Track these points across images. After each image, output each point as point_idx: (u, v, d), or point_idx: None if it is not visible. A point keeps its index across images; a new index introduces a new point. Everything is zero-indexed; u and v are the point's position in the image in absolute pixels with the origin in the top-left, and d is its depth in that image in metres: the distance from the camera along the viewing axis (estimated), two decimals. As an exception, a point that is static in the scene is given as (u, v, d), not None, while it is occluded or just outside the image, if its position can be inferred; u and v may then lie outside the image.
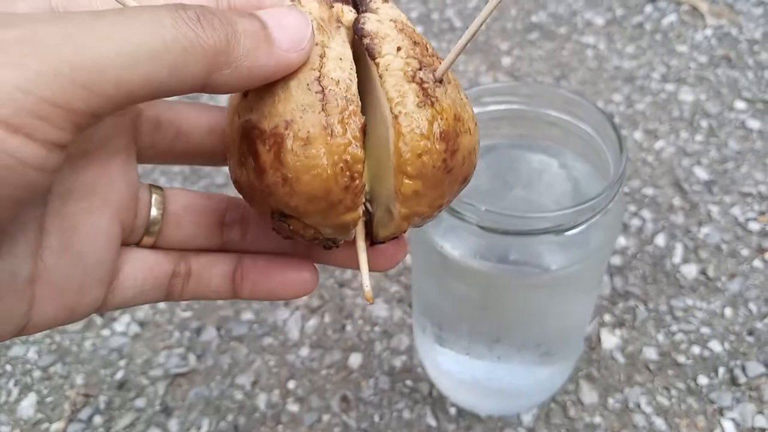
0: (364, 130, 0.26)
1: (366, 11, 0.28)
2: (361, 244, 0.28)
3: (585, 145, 0.43)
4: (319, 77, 0.25)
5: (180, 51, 0.21)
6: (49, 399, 0.55)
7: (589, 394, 0.52)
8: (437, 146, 0.25)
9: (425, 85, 0.26)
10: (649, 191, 0.68)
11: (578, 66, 0.84)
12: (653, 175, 0.69)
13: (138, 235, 0.30)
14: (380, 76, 0.26)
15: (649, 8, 0.92)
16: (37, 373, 0.56)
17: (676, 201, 0.67)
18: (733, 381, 0.53)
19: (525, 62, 0.84)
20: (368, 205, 0.28)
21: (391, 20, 0.27)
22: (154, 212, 0.30)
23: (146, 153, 0.30)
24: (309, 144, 0.24)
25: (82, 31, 0.19)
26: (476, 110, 0.38)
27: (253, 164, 0.26)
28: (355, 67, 0.26)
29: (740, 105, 0.77)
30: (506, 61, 0.84)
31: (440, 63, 0.26)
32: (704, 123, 0.75)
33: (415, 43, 0.26)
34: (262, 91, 0.26)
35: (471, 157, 0.27)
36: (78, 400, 0.54)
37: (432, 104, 0.25)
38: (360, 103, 0.25)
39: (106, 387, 0.55)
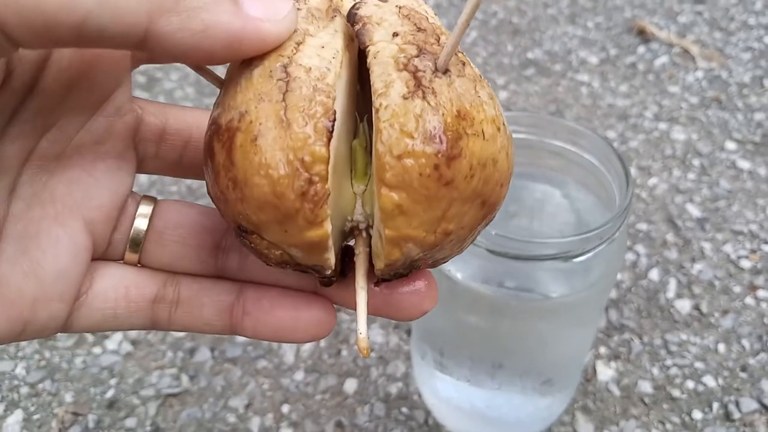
0: (349, 132, 0.23)
1: None
2: (360, 280, 0.24)
3: (588, 175, 0.44)
4: (287, 64, 0.22)
5: None
6: (36, 416, 0.53)
7: (585, 426, 0.52)
8: (425, 147, 0.20)
9: (419, 74, 0.21)
10: (643, 226, 0.69)
11: (573, 102, 0.85)
12: (647, 211, 0.71)
13: (119, 250, 0.27)
14: (369, 66, 0.22)
15: (641, 49, 0.95)
16: (24, 390, 0.55)
17: (670, 237, 0.68)
18: (728, 416, 0.53)
19: (521, 97, 0.86)
20: (371, 231, 0.24)
21: (396, 5, 0.23)
22: (140, 225, 0.27)
23: (150, 164, 0.28)
24: (260, 138, 0.21)
25: None
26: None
27: (211, 166, 0.22)
28: (344, 59, 0.23)
29: (731, 145, 0.79)
30: (503, 95, 0.86)
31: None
32: (696, 162, 0.77)
33: (419, 29, 0.23)
34: (230, 81, 0.23)
35: (488, 171, 0.22)
36: (66, 419, 0.53)
37: (423, 96, 0.21)
38: (335, 96, 0.21)
39: (96, 406, 0.54)
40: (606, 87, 0.88)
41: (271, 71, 0.22)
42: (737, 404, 0.54)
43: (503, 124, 0.23)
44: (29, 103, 0.23)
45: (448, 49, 0.21)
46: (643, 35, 0.97)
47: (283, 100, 0.21)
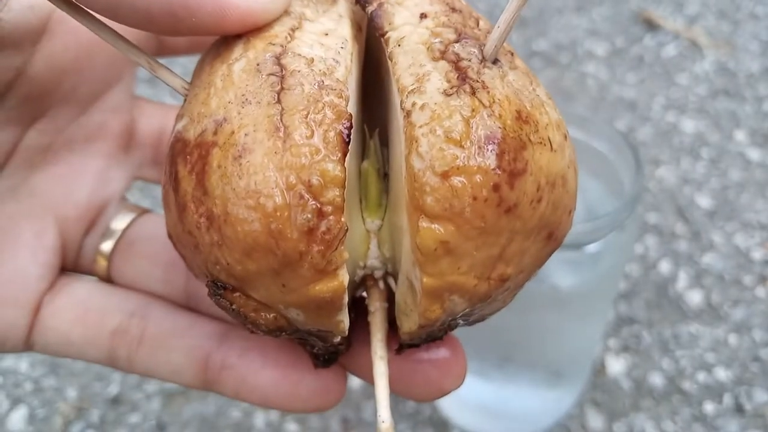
0: (365, 142, 0.18)
1: None
2: (378, 347, 0.18)
3: (598, 164, 0.43)
4: (280, 54, 0.16)
5: None
6: (40, 412, 0.53)
7: (595, 419, 0.52)
8: (481, 161, 0.15)
9: (463, 64, 0.16)
10: (652, 218, 0.68)
11: (580, 93, 0.84)
12: (656, 202, 0.70)
13: (90, 257, 0.24)
14: (390, 58, 0.17)
15: (648, 39, 0.94)
16: (28, 386, 0.55)
17: (679, 228, 0.67)
18: (739, 408, 0.52)
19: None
20: (390, 281, 0.18)
21: None
22: (115, 227, 0.23)
23: (147, 171, 0.26)
24: (246, 154, 0.15)
25: None
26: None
27: (173, 197, 0.17)
28: (354, 49, 0.18)
29: (739, 136, 0.78)
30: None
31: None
32: (705, 153, 0.76)
33: (453, 9, 0.18)
34: (199, 81, 0.18)
35: (557, 193, 0.16)
36: (70, 414, 0.53)
37: (473, 91, 0.15)
38: (348, 96, 0.16)
39: (100, 401, 0.54)
40: (613, 78, 0.87)
41: (258, 64, 0.16)
42: (749, 396, 0.53)
43: (567, 131, 0.18)
44: (18, 87, 0.22)
45: (499, 32, 0.16)
46: (650, 25, 0.96)
47: (278, 101, 0.15)
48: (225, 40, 0.18)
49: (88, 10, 0.17)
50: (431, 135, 0.15)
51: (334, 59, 0.16)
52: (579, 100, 0.83)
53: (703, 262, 0.63)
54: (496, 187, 0.15)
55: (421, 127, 0.15)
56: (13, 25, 0.20)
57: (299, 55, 0.16)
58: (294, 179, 0.14)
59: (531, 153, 0.16)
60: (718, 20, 0.97)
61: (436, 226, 0.15)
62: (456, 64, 0.16)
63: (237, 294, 0.16)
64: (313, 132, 0.15)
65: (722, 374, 0.55)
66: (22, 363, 0.56)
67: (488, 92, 0.16)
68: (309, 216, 0.14)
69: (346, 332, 0.17)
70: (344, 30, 0.18)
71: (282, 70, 0.16)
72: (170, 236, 0.18)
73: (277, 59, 0.16)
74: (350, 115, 0.15)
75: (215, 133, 0.15)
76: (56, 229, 0.23)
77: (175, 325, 0.22)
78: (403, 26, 0.17)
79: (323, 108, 0.15)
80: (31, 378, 0.55)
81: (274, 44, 0.16)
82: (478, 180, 0.15)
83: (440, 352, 0.20)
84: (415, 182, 0.15)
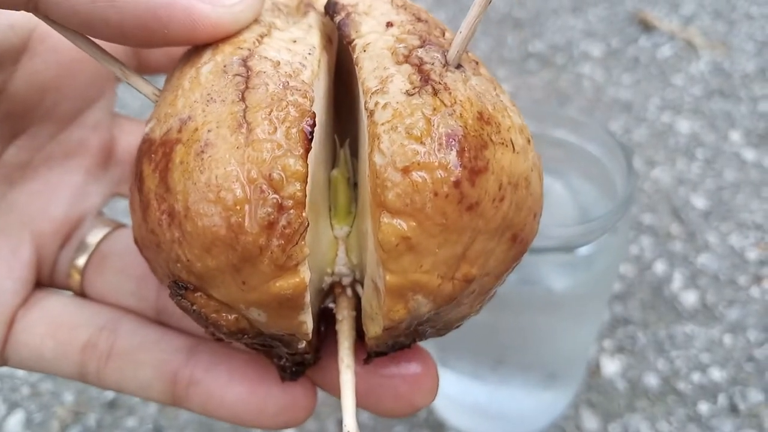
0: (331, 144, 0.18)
1: None
2: (345, 355, 0.18)
3: (591, 166, 0.43)
4: (246, 57, 0.16)
5: None
6: (37, 416, 0.53)
7: (590, 420, 0.52)
8: (442, 157, 0.15)
9: (426, 67, 0.16)
10: (647, 218, 0.68)
11: (576, 95, 0.85)
12: (651, 203, 0.70)
13: (64, 272, 0.24)
14: (356, 63, 0.17)
15: (644, 40, 0.94)
16: (25, 390, 0.55)
17: (674, 229, 0.67)
18: (733, 408, 0.52)
19: (523, 90, 0.85)
20: (359, 288, 0.18)
21: None
22: (89, 241, 0.23)
23: (126, 188, 0.25)
24: (208, 149, 0.15)
25: None
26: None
27: (138, 197, 0.17)
28: (323, 57, 0.18)
29: (735, 136, 0.78)
30: (504, 88, 0.85)
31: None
32: (700, 153, 0.76)
33: (419, 19, 0.18)
34: (168, 87, 0.18)
35: (520, 194, 0.16)
36: (67, 418, 0.53)
37: (435, 92, 0.16)
38: (313, 97, 0.16)
39: (97, 405, 0.54)
40: (609, 79, 0.87)
41: (225, 66, 0.16)
42: (743, 396, 0.53)
43: (531, 137, 0.18)
44: None
45: (461, 37, 0.16)
46: (645, 26, 0.96)
47: (242, 99, 0.15)
48: (195, 47, 0.18)
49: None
50: (393, 132, 0.15)
51: (300, 63, 0.17)
52: (575, 101, 0.84)
53: (698, 263, 0.64)
54: (456, 184, 0.15)
55: (383, 124, 0.15)
56: None
57: (266, 57, 0.16)
58: (255, 173, 0.15)
59: (492, 152, 0.16)
60: (713, 21, 0.97)
61: (398, 221, 0.15)
62: (419, 67, 0.16)
63: (198, 294, 0.16)
64: (275, 128, 0.15)
65: (717, 374, 0.55)
66: (19, 367, 0.56)
67: (450, 93, 0.16)
68: (269, 210, 0.14)
69: (310, 335, 0.17)
70: (313, 39, 0.18)
71: (248, 71, 0.16)
72: (136, 241, 0.18)
73: (244, 61, 0.16)
74: (314, 113, 0.16)
75: (179, 131, 0.16)
76: (32, 244, 0.23)
77: (143, 339, 0.22)
78: (369, 34, 0.17)
79: (287, 106, 0.15)
80: (28, 382, 0.55)
81: (242, 48, 0.17)
82: (439, 176, 0.15)
83: (411, 367, 0.20)
84: (377, 178, 0.15)
